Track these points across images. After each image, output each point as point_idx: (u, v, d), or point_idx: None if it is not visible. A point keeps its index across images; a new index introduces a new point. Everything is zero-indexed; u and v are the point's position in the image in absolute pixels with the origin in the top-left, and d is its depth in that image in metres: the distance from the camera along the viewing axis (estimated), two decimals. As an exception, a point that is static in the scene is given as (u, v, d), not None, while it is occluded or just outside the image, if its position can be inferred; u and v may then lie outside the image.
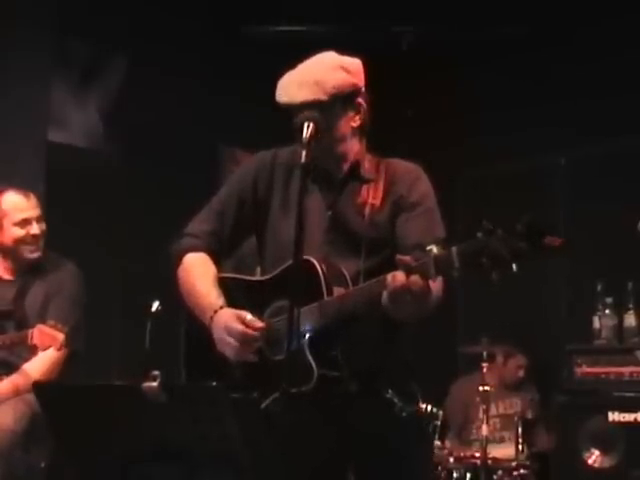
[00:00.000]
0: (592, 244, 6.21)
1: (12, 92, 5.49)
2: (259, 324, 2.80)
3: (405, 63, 6.35)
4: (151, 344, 4.63)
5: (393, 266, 2.63)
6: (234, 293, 2.94)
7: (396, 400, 2.87)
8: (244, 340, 2.78)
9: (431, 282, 2.56)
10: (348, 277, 2.80)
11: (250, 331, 2.78)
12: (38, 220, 4.46)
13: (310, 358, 2.68)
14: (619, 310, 5.64)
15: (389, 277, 2.56)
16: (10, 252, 4.46)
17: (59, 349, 4.05)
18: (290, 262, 2.74)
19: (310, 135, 2.72)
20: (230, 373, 2.83)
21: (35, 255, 4.45)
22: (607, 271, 5.85)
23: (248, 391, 2.74)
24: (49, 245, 4.59)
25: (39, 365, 4.26)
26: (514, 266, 2.37)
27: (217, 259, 3.05)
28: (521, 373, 6.23)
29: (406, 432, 2.91)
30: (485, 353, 5.65)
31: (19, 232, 4.41)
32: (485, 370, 5.63)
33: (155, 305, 4.75)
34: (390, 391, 2.87)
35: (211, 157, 6.68)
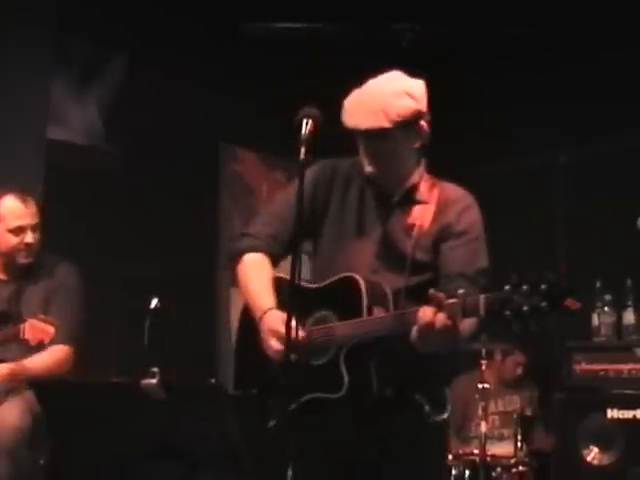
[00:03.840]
0: (591, 241, 6.22)
1: (12, 90, 5.49)
2: (300, 332, 2.86)
3: (404, 61, 6.33)
4: (149, 341, 4.63)
5: (434, 287, 2.77)
6: (287, 295, 3.01)
7: (426, 406, 2.98)
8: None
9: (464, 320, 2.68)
10: (390, 298, 2.91)
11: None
12: (33, 229, 4.42)
13: (343, 370, 2.82)
14: (618, 307, 5.64)
15: (420, 312, 2.68)
16: (3, 255, 4.45)
17: (50, 342, 4.04)
18: (339, 276, 2.96)
19: (309, 131, 2.77)
20: (273, 368, 2.91)
21: (27, 261, 4.43)
22: (606, 268, 5.85)
23: (285, 390, 2.78)
24: (48, 243, 4.58)
25: (46, 357, 4.26)
26: (533, 323, 2.49)
27: (274, 261, 3.16)
28: (519, 371, 6.24)
29: (430, 438, 3.01)
30: (484, 351, 5.66)
31: (13, 239, 4.39)
32: (484, 368, 5.63)
33: (154, 302, 4.74)
34: (420, 395, 2.97)
35: (211, 155, 6.69)
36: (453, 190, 3.12)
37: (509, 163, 6.79)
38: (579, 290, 2.54)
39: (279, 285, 3.06)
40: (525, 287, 2.49)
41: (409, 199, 3.08)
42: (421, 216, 3.03)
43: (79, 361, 4.44)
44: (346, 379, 2.80)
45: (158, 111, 5.92)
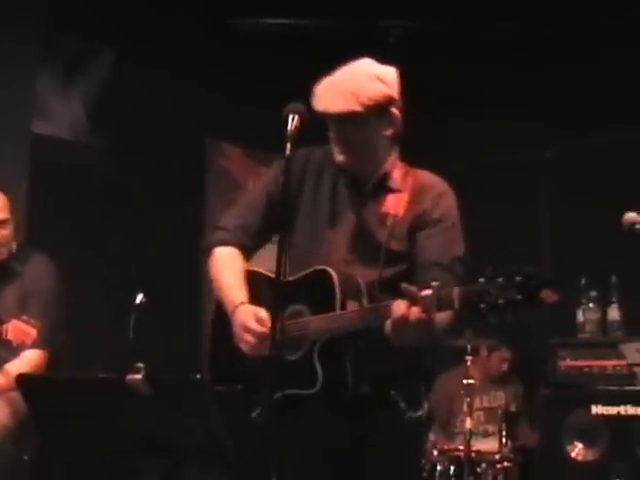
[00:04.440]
0: (576, 238, 6.24)
1: (-3, 84, 5.47)
2: (269, 323, 2.83)
3: (392, 57, 6.34)
4: (135, 337, 4.62)
5: (409, 278, 2.77)
6: (260, 288, 3.01)
7: (401, 404, 2.94)
8: (259, 337, 2.85)
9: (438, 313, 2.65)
10: (364, 290, 2.88)
11: (265, 330, 2.83)
12: (1, 224, 4.35)
13: (317, 365, 2.78)
14: (603, 303, 5.66)
15: (394, 305, 2.65)
16: None
17: (33, 343, 4.00)
18: (312, 269, 2.92)
19: (295, 127, 2.75)
20: (247, 362, 2.90)
21: None
22: (591, 265, 5.87)
23: (258, 384, 2.75)
24: (31, 238, 4.56)
25: (21, 365, 4.22)
26: (509, 315, 2.47)
27: (247, 253, 3.13)
28: (505, 367, 6.25)
29: (406, 435, 2.98)
30: (469, 346, 5.67)
31: None
32: (469, 363, 5.64)
33: (139, 297, 4.73)
34: (396, 392, 2.94)
35: (197, 150, 6.67)
36: (427, 177, 3.08)
37: (494, 159, 6.80)
38: (563, 285, 2.53)
39: (251, 278, 3.04)
40: (500, 280, 2.47)
41: (382, 188, 3.03)
42: (395, 205, 2.98)
43: (64, 357, 4.41)
44: (320, 374, 2.77)
45: (144, 106, 5.90)
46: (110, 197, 5.92)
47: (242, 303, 2.95)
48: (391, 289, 2.80)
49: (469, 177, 7.02)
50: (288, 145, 2.73)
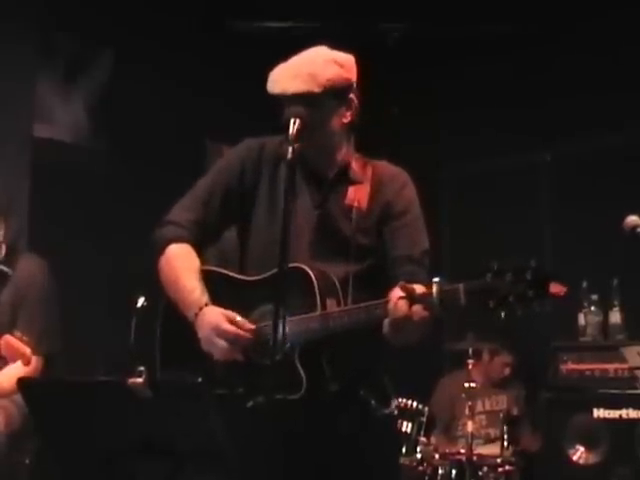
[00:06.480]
0: (577, 241, 6.23)
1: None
2: (249, 325, 2.78)
3: (391, 60, 6.35)
4: (136, 340, 4.61)
5: (380, 272, 2.74)
6: (219, 289, 2.90)
7: (372, 401, 2.89)
8: (234, 341, 2.76)
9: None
10: (339, 287, 2.79)
11: (241, 332, 2.76)
12: None
13: (301, 369, 2.69)
14: (604, 307, 5.66)
15: (391, 305, 2.57)
16: None
17: (27, 364, 3.91)
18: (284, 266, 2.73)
19: (296, 131, 2.70)
20: (211, 369, 2.80)
21: None
22: (592, 268, 5.87)
23: (230, 388, 2.75)
24: (33, 240, 4.55)
25: (10, 376, 4.13)
26: (519, 311, 2.43)
27: (200, 249, 3.00)
28: (507, 371, 6.23)
29: (378, 433, 2.93)
30: (471, 350, 5.66)
31: None
32: (471, 367, 5.63)
33: (140, 301, 4.72)
34: (365, 391, 2.88)
35: (197, 153, 6.67)
36: (387, 168, 3.02)
37: (494, 162, 6.80)
38: (563, 278, 2.51)
39: (209, 279, 2.92)
40: (509, 275, 2.43)
41: (343, 179, 2.96)
42: (358, 197, 2.91)
43: (62, 361, 4.37)
44: (304, 378, 2.68)
45: (144, 109, 5.90)
46: (111, 200, 5.91)
47: (207, 305, 2.82)
48: (363, 285, 2.76)
49: (470, 180, 7.05)
50: (290, 149, 2.67)
